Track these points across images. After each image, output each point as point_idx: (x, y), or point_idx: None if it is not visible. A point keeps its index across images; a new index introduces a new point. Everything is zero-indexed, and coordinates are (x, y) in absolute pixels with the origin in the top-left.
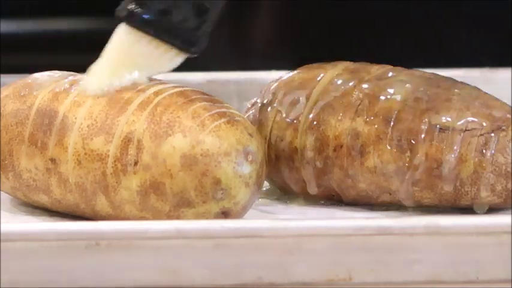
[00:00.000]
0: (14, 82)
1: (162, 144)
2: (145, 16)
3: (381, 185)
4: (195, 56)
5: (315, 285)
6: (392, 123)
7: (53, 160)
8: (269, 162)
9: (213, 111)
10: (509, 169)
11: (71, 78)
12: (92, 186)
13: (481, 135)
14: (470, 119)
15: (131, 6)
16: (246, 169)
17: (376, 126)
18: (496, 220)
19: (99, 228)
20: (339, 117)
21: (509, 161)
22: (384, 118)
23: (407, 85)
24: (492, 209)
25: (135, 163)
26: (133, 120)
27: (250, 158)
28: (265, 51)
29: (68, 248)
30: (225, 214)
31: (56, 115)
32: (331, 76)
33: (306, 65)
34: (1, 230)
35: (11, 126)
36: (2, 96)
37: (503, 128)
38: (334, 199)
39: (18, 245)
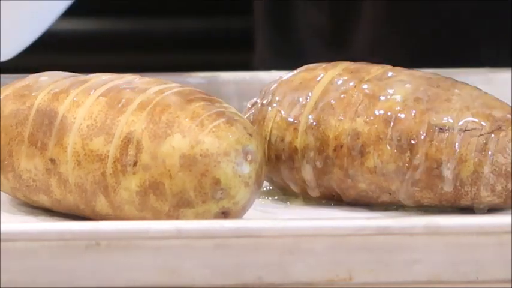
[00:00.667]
0: (14, 82)
1: (162, 145)
2: None
3: (381, 185)
4: None
5: (315, 285)
6: (392, 123)
7: (52, 160)
8: (269, 162)
9: (212, 111)
10: (509, 169)
11: (70, 78)
12: (91, 187)
13: (481, 135)
14: (470, 119)
15: None
16: (246, 169)
17: (376, 126)
18: (496, 220)
19: (99, 228)
20: (339, 117)
21: (509, 161)
22: (384, 118)
23: (407, 85)
24: (492, 209)
25: (135, 163)
26: (133, 121)
27: (249, 157)
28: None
29: (68, 248)
30: (224, 214)
31: (55, 115)
32: (331, 76)
33: (306, 65)
34: (1, 230)
35: (11, 126)
36: (1, 96)
37: (503, 128)
38: (334, 199)
39: (18, 245)
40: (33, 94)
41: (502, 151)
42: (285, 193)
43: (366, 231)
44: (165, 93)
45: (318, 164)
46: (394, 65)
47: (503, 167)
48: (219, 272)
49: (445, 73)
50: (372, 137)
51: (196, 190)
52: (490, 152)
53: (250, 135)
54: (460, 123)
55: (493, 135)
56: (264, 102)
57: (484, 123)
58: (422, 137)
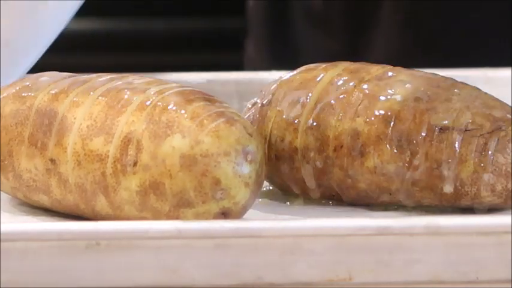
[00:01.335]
0: (14, 82)
1: (162, 145)
2: None
3: (381, 185)
4: None
5: (315, 285)
6: (392, 123)
7: (52, 160)
8: (269, 162)
9: (212, 111)
10: (509, 169)
11: (70, 78)
12: (91, 187)
13: (481, 135)
14: (470, 119)
15: None
16: (246, 169)
17: (376, 126)
18: (496, 220)
19: (99, 228)
20: (339, 117)
21: (509, 161)
22: (384, 118)
23: (407, 85)
24: (492, 209)
25: (135, 163)
26: (133, 121)
27: (249, 157)
28: None
29: (68, 248)
30: (224, 214)
31: (55, 115)
32: (331, 76)
33: (306, 65)
34: (1, 230)
35: (11, 126)
36: (1, 96)
37: (503, 128)
38: (334, 199)
39: (18, 245)
40: (33, 94)
41: (502, 151)
42: (285, 193)
43: (366, 231)
44: (165, 93)
45: (318, 164)
46: (394, 65)
47: (503, 167)
48: (219, 272)
49: (445, 73)
50: (372, 137)
51: (197, 190)
52: (490, 152)
53: (250, 135)
54: (460, 123)
55: (493, 135)
56: (264, 102)
57: (484, 123)
58: (422, 136)
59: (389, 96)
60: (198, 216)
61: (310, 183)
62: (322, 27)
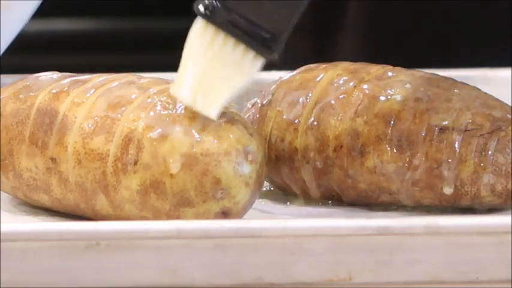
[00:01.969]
0: (14, 82)
1: (162, 144)
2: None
3: (381, 185)
4: (273, 58)
5: (315, 285)
6: (392, 123)
7: (53, 159)
8: (269, 162)
9: None
10: (509, 169)
11: (71, 78)
12: (92, 186)
13: (481, 135)
14: (470, 119)
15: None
16: (246, 169)
17: (376, 126)
18: (496, 220)
19: (99, 228)
20: (339, 117)
21: (509, 161)
22: (384, 118)
23: (407, 85)
24: (492, 209)
25: (135, 162)
26: (134, 120)
27: (250, 157)
28: None
29: (68, 248)
30: (225, 214)
31: (56, 114)
32: (331, 76)
33: (306, 65)
34: (1, 230)
35: (12, 126)
36: (2, 96)
37: (503, 128)
38: (334, 199)
39: (18, 245)
40: (33, 94)
41: (502, 151)
42: (285, 193)
43: (366, 231)
44: (166, 92)
45: (318, 164)
46: (394, 65)
47: (503, 167)
48: (219, 272)
49: (445, 73)
50: (372, 137)
51: (197, 190)
52: (490, 152)
53: (251, 135)
54: (460, 123)
55: (493, 135)
56: (264, 102)
57: (484, 123)
58: (422, 136)
59: (389, 96)
60: (198, 216)
61: (310, 183)
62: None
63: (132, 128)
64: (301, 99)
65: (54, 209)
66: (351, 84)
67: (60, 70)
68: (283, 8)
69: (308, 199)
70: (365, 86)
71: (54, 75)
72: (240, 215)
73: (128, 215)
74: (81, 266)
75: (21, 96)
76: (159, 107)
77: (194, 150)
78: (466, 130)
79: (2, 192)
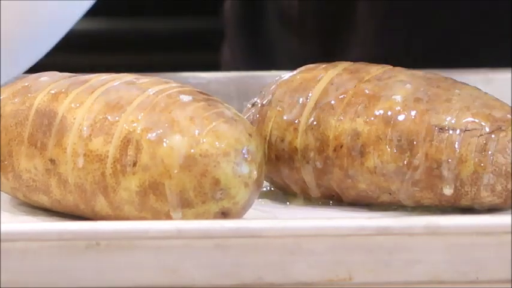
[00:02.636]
0: (13, 82)
1: (161, 145)
2: None
3: (381, 185)
4: None
5: (315, 285)
6: (392, 123)
7: (52, 161)
8: (269, 162)
9: (212, 111)
10: (509, 169)
11: (70, 78)
12: (91, 187)
13: (481, 135)
14: (470, 119)
15: None
16: (245, 169)
17: (376, 126)
18: (496, 220)
19: (99, 228)
20: (339, 117)
21: (509, 161)
22: (384, 118)
23: (407, 85)
24: (492, 209)
25: (134, 164)
26: (132, 121)
27: (249, 157)
28: None
29: (68, 248)
30: (224, 214)
31: (55, 116)
32: (331, 76)
33: (306, 65)
34: (1, 230)
35: (11, 127)
36: (1, 97)
37: (503, 128)
38: (334, 199)
39: (18, 245)
40: (32, 95)
41: (502, 151)
42: (285, 193)
43: (366, 231)
44: (165, 93)
45: (318, 164)
46: (394, 65)
47: (503, 167)
48: (219, 272)
49: (445, 73)
50: (372, 137)
51: (196, 190)
52: (490, 152)
53: (250, 135)
54: (460, 124)
55: (493, 136)
56: (264, 102)
57: (484, 124)
58: (422, 137)
59: (389, 97)
60: (198, 217)
61: (310, 183)
62: (297, 29)
63: (131, 129)
64: (301, 99)
65: (54, 210)
66: (351, 84)
67: (60, 70)
68: None
69: (308, 199)
70: (365, 86)
71: (53, 75)
72: (239, 215)
73: (128, 216)
74: (81, 266)
75: (20, 96)
76: (157, 108)
77: (193, 151)
78: (466, 130)
79: (2, 192)
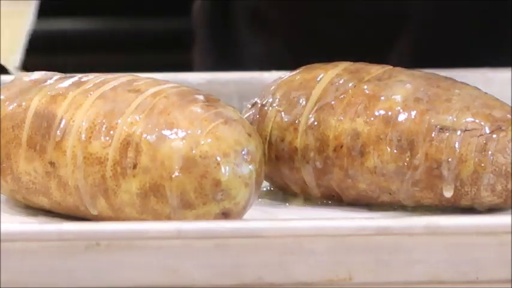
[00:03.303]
0: (10, 83)
1: (161, 147)
2: None
3: (381, 185)
4: None
5: (315, 285)
6: (392, 123)
7: (52, 163)
8: (269, 162)
9: (211, 112)
10: (509, 169)
11: (68, 79)
12: (91, 190)
13: (481, 135)
14: (470, 119)
15: None
16: (245, 169)
17: (376, 126)
18: (496, 220)
19: (99, 228)
20: (339, 117)
21: (509, 161)
22: (384, 118)
23: (407, 85)
24: (492, 209)
25: (134, 166)
26: (132, 123)
27: (249, 158)
28: None
29: (68, 248)
30: (225, 215)
31: (54, 118)
32: (331, 76)
33: (306, 65)
34: (1, 230)
35: (7, 129)
36: (2, 97)
37: (503, 128)
38: (334, 199)
39: (18, 245)
40: (29, 96)
41: (502, 151)
42: (285, 193)
43: (366, 231)
44: (164, 94)
45: (318, 164)
46: (394, 65)
47: (503, 167)
48: (219, 272)
49: (445, 73)
50: (372, 137)
51: (197, 192)
52: (490, 152)
53: (249, 135)
54: (460, 123)
55: (493, 135)
56: (264, 102)
57: (484, 123)
58: (422, 137)
59: (389, 97)
60: (198, 218)
61: (310, 183)
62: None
63: (131, 131)
64: (301, 99)
65: (54, 211)
66: (351, 84)
67: (59, 70)
68: None
69: (308, 199)
70: (365, 86)
71: (51, 76)
72: (240, 215)
73: (128, 218)
74: (81, 266)
75: (16, 98)
76: (156, 109)
77: (193, 152)
78: (466, 130)
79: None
